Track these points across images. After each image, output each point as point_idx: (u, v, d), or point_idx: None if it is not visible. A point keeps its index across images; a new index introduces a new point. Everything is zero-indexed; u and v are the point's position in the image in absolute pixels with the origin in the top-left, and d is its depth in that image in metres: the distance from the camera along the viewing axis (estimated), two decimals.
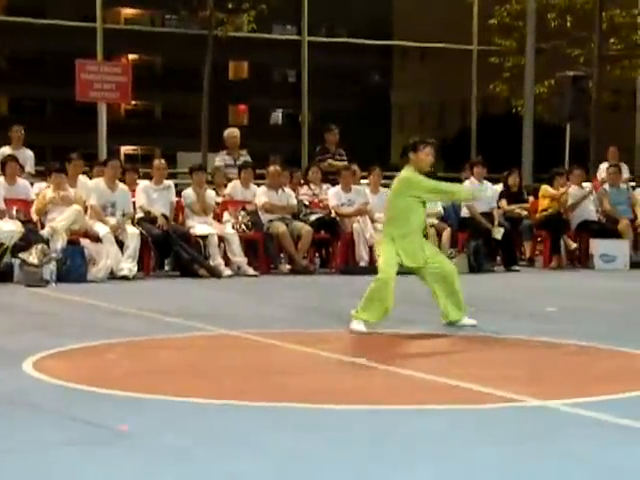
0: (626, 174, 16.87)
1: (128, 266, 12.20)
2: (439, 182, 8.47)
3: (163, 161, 13.84)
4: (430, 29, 32.77)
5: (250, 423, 4.82)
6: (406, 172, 8.13)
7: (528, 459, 4.16)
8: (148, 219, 12.99)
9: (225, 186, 14.01)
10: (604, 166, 16.63)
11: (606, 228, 14.88)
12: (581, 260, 14.82)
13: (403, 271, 8.17)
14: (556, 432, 4.65)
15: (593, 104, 19.45)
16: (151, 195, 13.22)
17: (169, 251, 13.10)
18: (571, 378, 6.15)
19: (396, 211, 8.13)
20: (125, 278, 12.06)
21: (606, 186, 15.42)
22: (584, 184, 15.50)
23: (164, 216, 13.00)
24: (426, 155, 8.12)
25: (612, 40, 20.80)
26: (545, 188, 15.03)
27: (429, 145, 8.17)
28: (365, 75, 55.50)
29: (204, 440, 4.49)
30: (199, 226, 13.11)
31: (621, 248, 14.51)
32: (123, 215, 12.74)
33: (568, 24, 20.78)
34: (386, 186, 15.09)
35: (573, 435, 4.59)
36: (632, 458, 4.18)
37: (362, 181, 14.91)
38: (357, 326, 7.86)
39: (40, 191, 12.67)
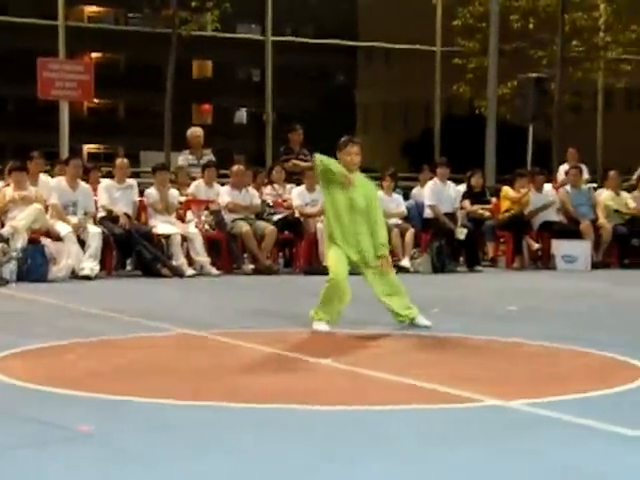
0: (586, 175, 16.98)
1: (90, 265, 12.13)
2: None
3: (126, 160, 13.77)
4: (395, 30, 32.83)
5: (212, 423, 4.81)
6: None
7: (489, 459, 4.17)
8: (110, 218, 12.93)
9: (188, 185, 13.96)
10: (564, 168, 16.73)
11: (568, 229, 14.98)
12: (543, 261, 14.90)
13: (355, 272, 8.17)
14: (516, 432, 4.67)
15: (555, 105, 19.58)
16: (113, 194, 13.15)
17: (131, 250, 13.03)
18: (532, 378, 6.18)
19: (328, 211, 8.12)
20: (87, 278, 11.99)
21: (568, 187, 15.52)
22: (546, 186, 15.58)
23: (126, 215, 12.94)
24: (348, 154, 8.03)
25: (574, 42, 20.93)
26: (506, 190, 15.11)
27: (351, 143, 8.10)
28: (330, 75, 55.52)
29: (165, 440, 4.46)
30: (162, 225, 13.06)
31: (583, 249, 14.61)
32: (85, 214, 12.66)
33: (531, 26, 20.88)
34: None
35: (533, 435, 4.61)
36: (590, 457, 4.21)
37: None
38: (319, 326, 7.86)
39: (0, 190, 12.57)
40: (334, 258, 8.00)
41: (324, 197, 8.26)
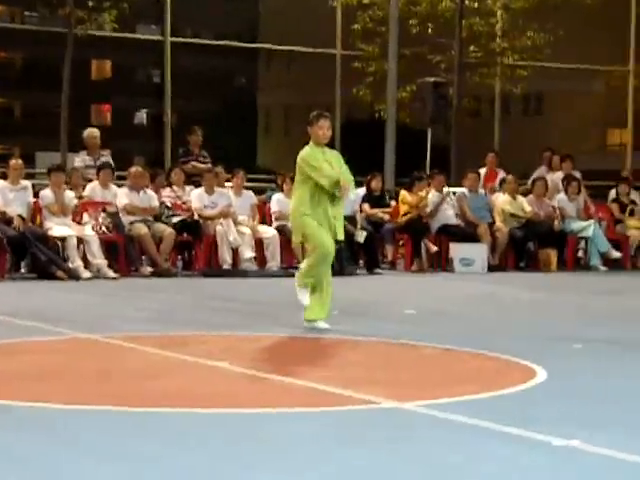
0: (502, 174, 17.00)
1: None
2: (326, 167, 8.17)
3: (20, 161, 13.52)
4: (296, 33, 32.88)
5: (108, 428, 4.73)
6: (304, 149, 8.19)
7: (382, 461, 4.19)
8: (4, 220, 12.69)
9: (82, 187, 13.77)
10: (483, 172, 16.81)
11: (465, 232, 15.17)
12: (441, 263, 15.06)
13: None
14: (411, 434, 4.70)
15: (454, 110, 19.80)
16: (7, 195, 12.92)
17: (26, 253, 12.80)
18: (427, 380, 6.23)
19: (298, 190, 8.14)
20: None
21: (465, 191, 15.71)
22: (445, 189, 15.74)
23: (20, 217, 12.71)
24: (319, 128, 8.16)
25: (472, 48, 21.21)
26: (404, 194, 15.23)
27: (322, 118, 8.20)
28: (231, 77, 55.39)
29: (52, 445, 4.38)
30: (57, 227, 12.86)
31: (480, 252, 14.80)
32: None
33: (430, 31, 21.10)
34: (250, 189, 15.11)
35: (427, 437, 4.64)
36: (481, 458, 4.25)
37: (226, 183, 14.85)
38: (303, 297, 8.05)
39: None
40: (318, 232, 8.08)
41: (300, 180, 8.20)
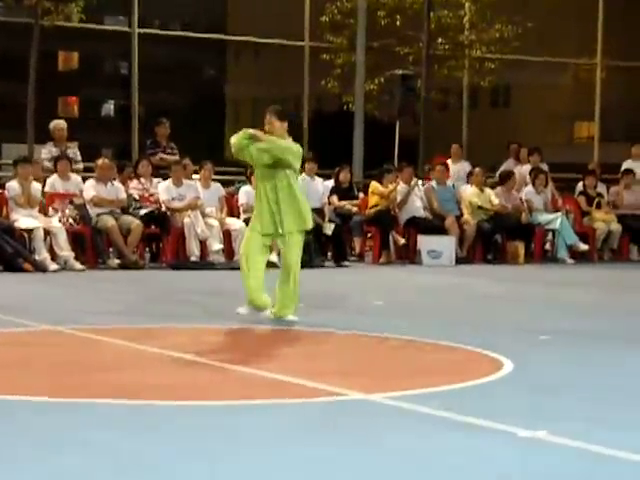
0: (468, 168, 17.01)
1: None
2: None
3: None
4: (264, 25, 32.81)
5: (74, 420, 4.71)
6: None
7: (348, 452, 4.19)
8: None
9: (42, 179, 13.67)
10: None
11: (433, 225, 15.19)
12: (409, 256, 15.08)
13: None
14: (377, 425, 4.70)
15: (422, 102, 19.81)
16: None
17: None
18: (394, 371, 6.24)
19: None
20: None
21: (433, 183, 15.73)
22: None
23: None
24: (266, 123, 8.21)
25: (440, 40, 21.21)
26: (374, 185, 15.23)
27: (267, 111, 8.27)
28: (199, 69, 55.15)
29: (19, 438, 4.35)
30: (24, 219, 12.78)
31: (447, 244, 14.84)
32: None
33: (398, 23, 21.08)
34: (218, 181, 15.06)
35: (393, 428, 4.64)
36: (445, 449, 4.26)
37: (194, 176, 14.80)
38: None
39: None
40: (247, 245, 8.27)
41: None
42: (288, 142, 8.21)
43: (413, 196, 15.24)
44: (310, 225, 8.29)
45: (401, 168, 15.70)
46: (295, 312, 8.19)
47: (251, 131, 8.20)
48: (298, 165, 8.39)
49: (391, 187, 15.06)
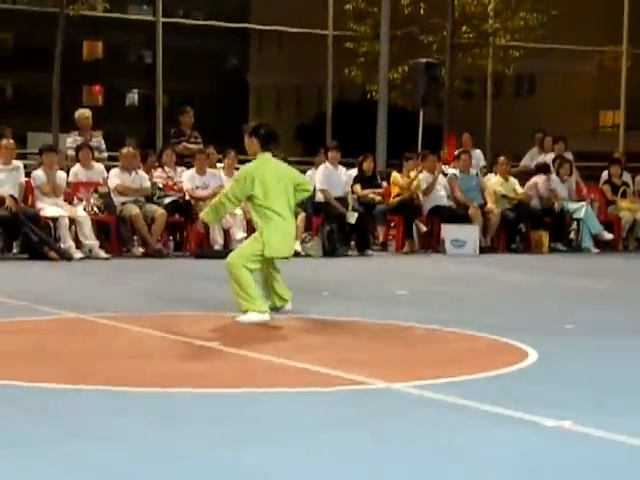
0: (482, 162, 17.16)
1: None
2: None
3: (12, 141, 13.47)
4: (287, 13, 32.77)
5: (101, 407, 4.74)
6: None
7: (373, 441, 4.19)
8: None
9: (68, 168, 13.72)
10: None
11: (457, 213, 15.15)
12: (433, 245, 15.05)
13: None
14: (401, 414, 4.70)
15: (445, 91, 19.76)
16: None
17: (18, 233, 12.78)
18: (417, 360, 6.24)
19: None
20: None
21: (456, 172, 15.69)
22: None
23: (12, 197, 12.68)
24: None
25: (464, 29, 21.14)
26: (394, 176, 15.21)
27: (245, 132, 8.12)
28: (222, 58, 55.22)
29: (46, 424, 4.39)
30: (49, 208, 12.84)
31: (471, 233, 14.79)
32: None
33: (421, 11, 21.02)
34: None
35: (417, 417, 4.65)
36: (473, 439, 4.26)
37: (218, 164, 14.82)
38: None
39: None
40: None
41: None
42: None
43: (437, 185, 15.21)
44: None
45: (425, 156, 15.66)
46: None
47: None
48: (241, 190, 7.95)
49: (412, 175, 15.02)
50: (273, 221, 7.82)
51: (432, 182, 15.08)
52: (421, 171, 15.14)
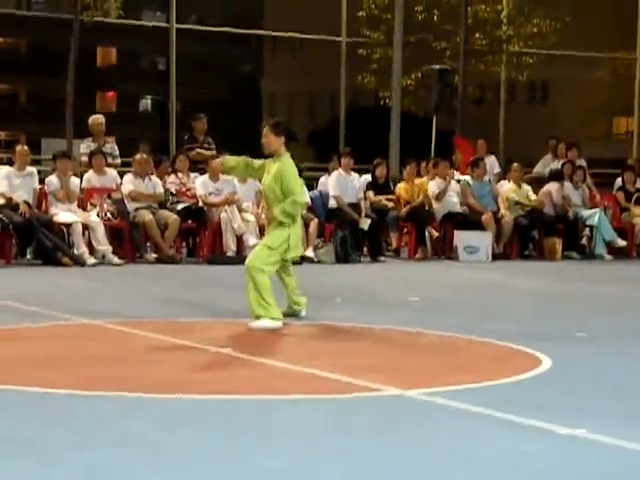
0: (497, 168, 17.15)
1: None
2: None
3: (26, 147, 13.51)
4: (301, 20, 32.84)
5: (110, 413, 4.75)
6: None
7: (385, 448, 4.19)
8: (9, 206, 12.69)
9: (82, 174, 13.76)
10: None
11: (470, 220, 15.13)
12: (445, 251, 15.04)
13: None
14: (414, 421, 4.70)
15: (459, 97, 19.75)
16: (13, 181, 12.91)
17: (31, 239, 12.81)
18: (430, 367, 6.23)
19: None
20: None
21: (469, 179, 15.68)
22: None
23: (26, 203, 12.72)
24: (263, 136, 8.11)
25: (477, 35, 21.14)
26: (400, 187, 15.22)
27: (263, 127, 8.15)
28: (235, 64, 55.28)
29: (56, 429, 4.40)
30: (63, 214, 12.87)
31: (484, 240, 14.77)
32: None
33: (435, 18, 21.04)
34: None
35: (431, 424, 4.64)
36: (486, 446, 4.26)
37: None
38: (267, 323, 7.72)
39: None
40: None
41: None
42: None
43: (449, 191, 15.20)
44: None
45: (436, 163, 15.66)
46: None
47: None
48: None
49: (423, 181, 15.01)
50: (297, 222, 7.95)
51: (444, 188, 15.08)
52: (432, 178, 15.15)
